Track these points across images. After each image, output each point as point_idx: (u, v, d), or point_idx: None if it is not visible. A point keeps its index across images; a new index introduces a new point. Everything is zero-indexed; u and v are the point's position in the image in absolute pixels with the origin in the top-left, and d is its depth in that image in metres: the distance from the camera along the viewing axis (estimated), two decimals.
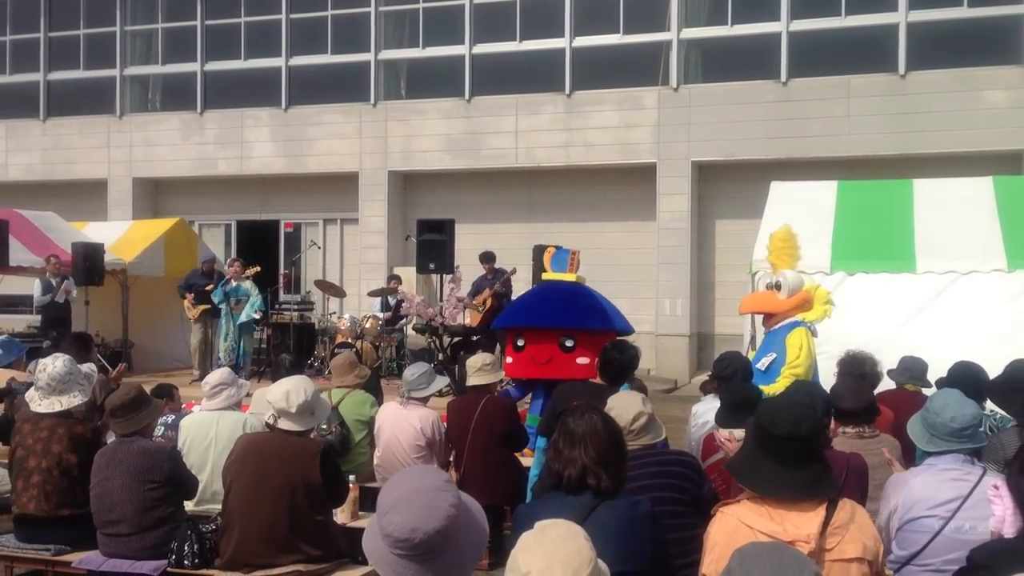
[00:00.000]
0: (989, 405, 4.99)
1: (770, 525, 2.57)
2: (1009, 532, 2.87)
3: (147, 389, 4.86)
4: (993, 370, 5.07)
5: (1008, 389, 4.57)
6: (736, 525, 2.60)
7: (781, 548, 1.92)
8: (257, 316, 12.07)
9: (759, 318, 7.09)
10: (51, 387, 4.61)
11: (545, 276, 7.97)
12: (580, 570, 1.83)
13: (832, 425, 4.43)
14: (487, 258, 12.12)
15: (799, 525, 2.57)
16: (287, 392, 4.12)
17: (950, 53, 14.52)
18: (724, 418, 4.37)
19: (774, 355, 6.25)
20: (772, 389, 5.80)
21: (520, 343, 7.20)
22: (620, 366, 5.31)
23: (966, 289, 7.56)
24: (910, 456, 4.18)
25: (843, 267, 7.90)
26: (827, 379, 5.98)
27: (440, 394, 9.45)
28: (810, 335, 6.22)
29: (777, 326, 6.32)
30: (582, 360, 7.13)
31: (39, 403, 4.62)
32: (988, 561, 2.64)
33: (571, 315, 7.26)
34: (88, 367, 5.00)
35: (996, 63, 14.39)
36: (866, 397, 4.34)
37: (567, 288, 7.64)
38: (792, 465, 2.63)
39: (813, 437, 2.71)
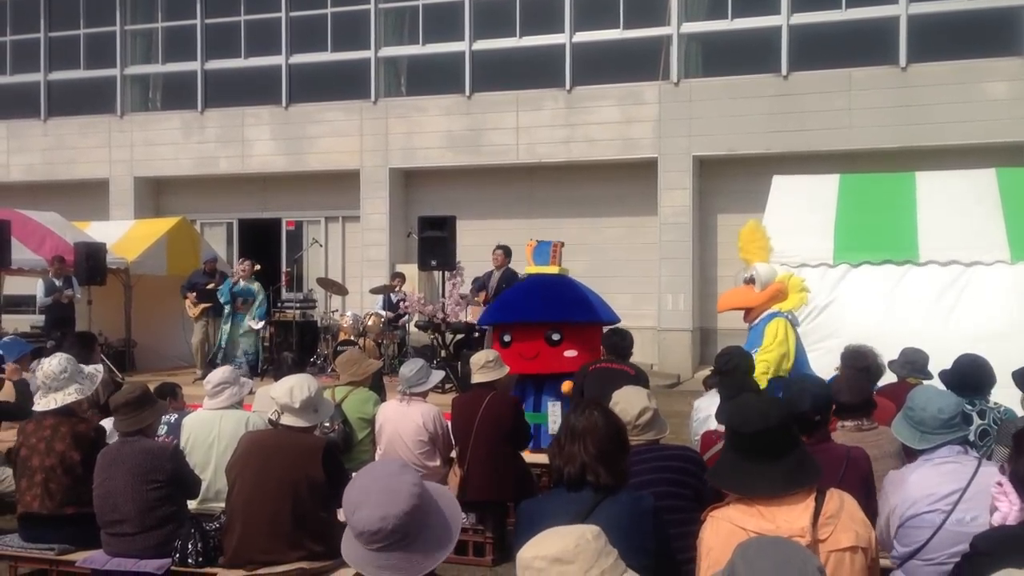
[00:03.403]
0: (993, 398, 4.98)
1: (762, 523, 2.56)
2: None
3: (150, 388, 4.87)
4: (996, 359, 5.07)
5: None
6: (729, 528, 2.59)
7: (783, 542, 1.92)
8: (256, 326, 11.93)
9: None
10: (47, 385, 4.66)
11: (528, 270, 7.89)
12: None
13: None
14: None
15: (791, 520, 2.56)
16: (291, 388, 4.13)
17: (951, 45, 14.49)
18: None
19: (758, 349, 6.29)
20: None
21: (507, 339, 7.15)
22: (623, 348, 6.43)
23: (969, 281, 7.55)
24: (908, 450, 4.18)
25: (846, 259, 7.89)
26: (828, 374, 5.99)
27: (443, 390, 9.50)
28: (788, 324, 6.26)
29: (757, 320, 6.37)
30: (569, 353, 7.12)
31: (39, 402, 4.66)
32: (991, 548, 2.64)
33: (557, 308, 7.24)
34: (93, 368, 5.01)
35: (997, 55, 14.36)
36: (864, 390, 4.34)
37: (551, 281, 7.58)
38: (771, 459, 2.63)
39: (785, 426, 2.71)
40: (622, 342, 6.45)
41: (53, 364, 4.69)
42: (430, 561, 2.07)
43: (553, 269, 7.65)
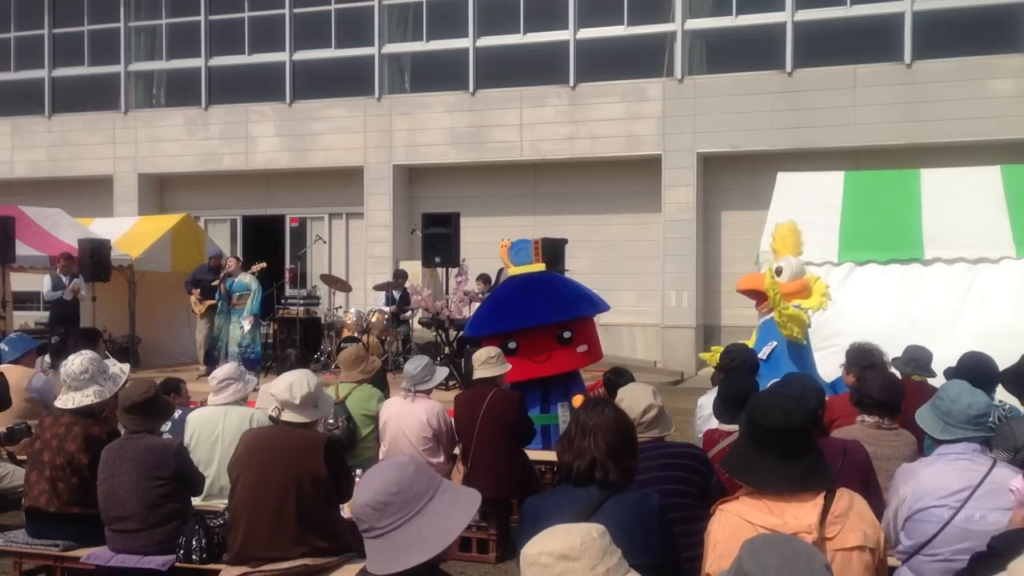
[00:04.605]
0: (998, 396, 4.97)
1: (770, 519, 2.56)
2: None
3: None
4: (1001, 357, 5.05)
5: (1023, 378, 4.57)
6: (737, 522, 2.59)
7: (790, 539, 1.92)
8: (245, 326, 11.57)
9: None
10: (67, 384, 4.64)
11: (512, 271, 7.51)
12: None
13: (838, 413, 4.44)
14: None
15: (799, 517, 2.56)
16: (290, 384, 4.12)
17: (956, 41, 14.45)
18: (722, 412, 4.34)
19: (775, 343, 6.23)
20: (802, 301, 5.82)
21: (512, 346, 6.89)
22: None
23: (975, 278, 7.53)
24: (923, 449, 4.16)
25: (851, 257, 7.88)
26: (833, 372, 5.97)
27: (446, 387, 9.50)
28: (807, 316, 6.21)
29: (771, 313, 6.31)
30: (582, 349, 7.06)
31: (60, 398, 4.67)
32: (1009, 549, 2.62)
33: (562, 307, 7.10)
34: (119, 368, 4.96)
35: (1003, 51, 14.32)
36: (897, 391, 4.31)
37: (544, 280, 7.40)
38: (786, 457, 2.62)
39: (805, 429, 2.70)
40: (626, 382, 6.11)
41: (75, 364, 4.65)
42: (392, 563, 2.06)
43: (539, 266, 7.49)
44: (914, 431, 4.04)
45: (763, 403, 2.76)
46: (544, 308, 7.07)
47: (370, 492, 2.09)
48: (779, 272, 6.35)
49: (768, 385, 4.42)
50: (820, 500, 2.58)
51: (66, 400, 4.62)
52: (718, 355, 6.46)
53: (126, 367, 5.09)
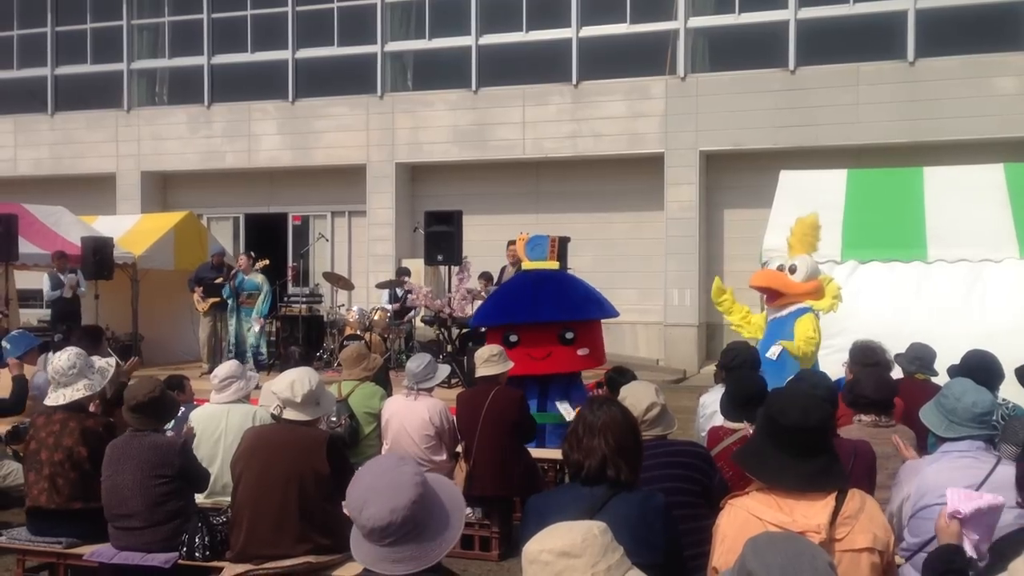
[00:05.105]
0: (1001, 394, 4.97)
1: (779, 516, 2.55)
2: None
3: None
4: (1005, 355, 5.05)
5: None
6: (746, 517, 2.58)
7: (794, 538, 1.91)
8: (255, 326, 11.75)
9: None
10: (56, 380, 4.65)
11: (526, 265, 7.59)
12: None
13: (838, 413, 4.42)
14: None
15: (809, 515, 2.55)
16: (292, 382, 4.12)
17: (960, 40, 14.43)
18: (728, 410, 4.34)
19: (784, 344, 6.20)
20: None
21: (513, 339, 6.91)
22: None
23: (978, 277, 7.52)
24: (924, 446, 4.17)
25: (854, 256, 7.86)
26: (835, 372, 5.95)
27: (449, 385, 9.50)
28: (818, 322, 6.19)
29: (783, 312, 6.26)
30: (582, 351, 7.04)
31: (49, 396, 4.67)
32: (1011, 551, 2.61)
33: (568, 307, 7.09)
34: (106, 362, 4.99)
35: (1006, 49, 14.29)
36: (890, 388, 4.32)
37: (556, 278, 7.40)
38: (801, 456, 2.61)
39: (822, 428, 2.69)
40: (627, 380, 6.05)
41: (62, 359, 4.68)
42: (442, 546, 2.11)
43: (553, 264, 7.50)
44: (917, 429, 4.04)
45: (781, 400, 2.75)
46: (550, 305, 7.06)
47: (407, 489, 2.07)
48: (793, 270, 6.33)
49: (785, 383, 4.42)
50: (831, 500, 2.56)
51: (56, 397, 4.63)
52: (731, 293, 6.53)
53: (112, 360, 5.12)
